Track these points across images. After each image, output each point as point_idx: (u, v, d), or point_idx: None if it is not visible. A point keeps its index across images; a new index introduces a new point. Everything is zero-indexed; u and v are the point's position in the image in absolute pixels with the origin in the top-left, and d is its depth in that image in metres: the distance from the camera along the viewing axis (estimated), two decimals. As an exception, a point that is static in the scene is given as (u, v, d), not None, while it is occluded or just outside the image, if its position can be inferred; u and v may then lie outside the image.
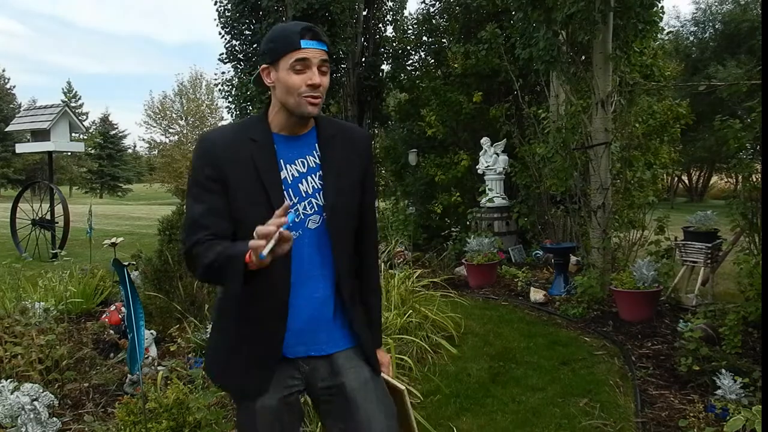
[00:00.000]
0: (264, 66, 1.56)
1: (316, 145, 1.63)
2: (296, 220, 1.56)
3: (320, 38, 1.52)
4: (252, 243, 1.30)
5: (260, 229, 1.29)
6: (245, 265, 1.35)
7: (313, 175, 1.61)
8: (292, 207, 1.54)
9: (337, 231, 1.61)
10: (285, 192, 1.56)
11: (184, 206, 1.56)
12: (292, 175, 1.59)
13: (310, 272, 1.60)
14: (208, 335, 1.75)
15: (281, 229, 1.29)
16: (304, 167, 1.61)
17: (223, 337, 1.66)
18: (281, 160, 1.58)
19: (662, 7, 6.16)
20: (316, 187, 1.60)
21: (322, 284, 1.62)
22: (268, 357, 1.58)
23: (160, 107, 40.41)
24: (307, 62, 1.50)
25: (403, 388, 1.71)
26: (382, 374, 1.74)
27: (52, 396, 2.71)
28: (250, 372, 1.59)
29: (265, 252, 1.28)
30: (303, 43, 1.49)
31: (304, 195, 1.59)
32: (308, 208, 1.59)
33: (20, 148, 11.05)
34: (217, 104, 38.69)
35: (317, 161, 1.62)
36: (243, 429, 1.66)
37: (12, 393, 2.63)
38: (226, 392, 1.67)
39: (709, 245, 5.49)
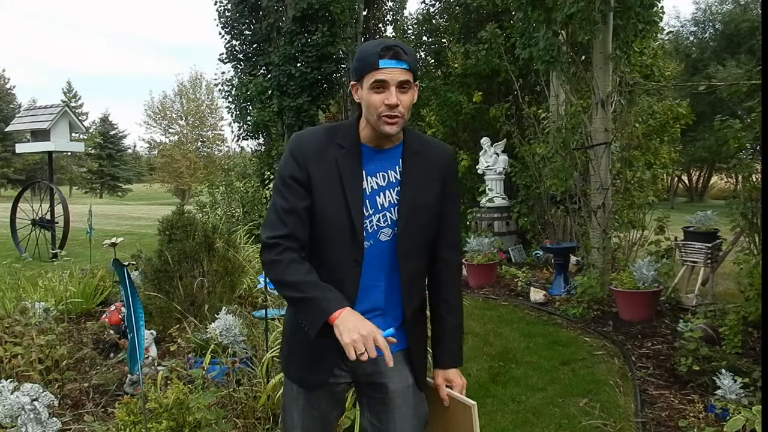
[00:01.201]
0: (353, 83, 1.62)
1: (400, 160, 1.66)
2: (369, 230, 1.62)
3: (400, 57, 1.53)
4: (356, 337, 1.38)
5: (371, 341, 1.39)
6: (326, 322, 1.44)
7: (391, 190, 1.64)
8: (367, 217, 1.60)
9: (406, 246, 1.64)
10: (364, 202, 1.61)
11: (270, 197, 1.72)
12: (372, 187, 1.63)
13: (376, 282, 1.64)
14: (284, 324, 1.86)
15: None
16: (384, 181, 1.64)
17: (292, 331, 1.73)
18: (363, 171, 1.62)
19: (662, 7, 6.15)
20: (392, 201, 1.63)
21: (384, 295, 1.66)
22: (327, 358, 1.65)
23: (160, 107, 40.44)
24: (384, 83, 1.52)
25: (473, 403, 1.73)
26: (453, 393, 1.77)
27: (52, 396, 2.70)
28: (311, 369, 1.68)
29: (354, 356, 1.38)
30: (381, 63, 1.52)
31: (379, 207, 1.63)
32: (382, 221, 1.63)
33: (20, 148, 11.05)
34: (217, 104, 38.72)
35: (398, 177, 1.65)
36: (285, 409, 1.76)
37: (12, 393, 2.63)
38: (289, 379, 1.78)
39: (709, 245, 5.49)
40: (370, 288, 1.64)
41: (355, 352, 1.37)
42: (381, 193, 1.63)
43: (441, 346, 1.77)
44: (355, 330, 1.39)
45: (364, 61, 1.54)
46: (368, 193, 1.61)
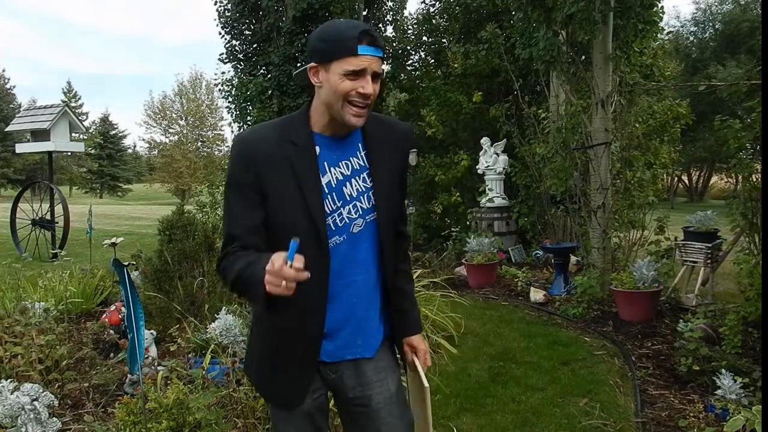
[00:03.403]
0: (313, 65, 1.48)
1: (360, 145, 1.57)
2: (339, 224, 1.53)
3: (377, 43, 1.43)
4: (268, 278, 1.29)
5: (276, 270, 1.27)
6: (264, 290, 1.31)
7: (357, 177, 1.55)
8: (335, 211, 1.52)
9: (386, 232, 1.59)
10: (329, 196, 1.51)
11: (224, 207, 1.56)
12: (336, 178, 1.53)
13: (353, 276, 1.56)
14: (249, 338, 1.76)
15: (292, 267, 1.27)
16: (348, 169, 1.54)
17: (262, 345, 1.64)
18: (324, 163, 1.51)
19: (662, 7, 6.16)
20: (360, 189, 1.54)
21: (363, 288, 1.59)
22: (306, 365, 1.57)
23: (160, 107, 40.40)
24: (363, 72, 1.42)
25: (427, 385, 1.72)
26: (417, 364, 1.73)
27: (52, 396, 2.70)
28: (288, 382, 1.59)
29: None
30: (360, 49, 1.40)
31: (348, 198, 1.53)
32: (353, 212, 1.54)
33: (20, 148, 11.05)
34: (217, 104, 38.69)
35: (362, 162, 1.56)
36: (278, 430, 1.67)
37: (12, 393, 2.63)
38: (265, 399, 1.73)
39: (709, 245, 5.49)
40: (347, 283, 1.56)
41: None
42: (347, 183, 1.53)
43: (404, 315, 1.72)
44: (271, 277, 1.29)
45: (339, 44, 1.41)
46: (334, 186, 1.52)
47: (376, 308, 1.65)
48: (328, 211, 1.51)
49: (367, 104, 1.46)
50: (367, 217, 1.56)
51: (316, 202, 1.48)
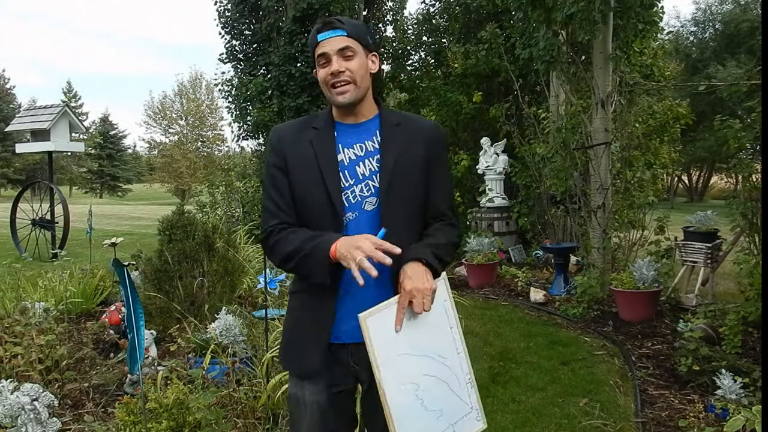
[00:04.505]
0: (315, 71, 1.67)
1: (377, 131, 1.68)
2: (352, 201, 1.62)
3: (335, 26, 1.58)
4: (366, 245, 1.45)
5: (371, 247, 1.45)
6: (328, 258, 1.49)
7: (371, 158, 1.65)
8: (348, 188, 1.62)
9: (391, 212, 1.62)
10: (341, 173, 1.62)
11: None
12: (349, 158, 1.64)
13: None
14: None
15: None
16: (362, 151, 1.66)
17: (288, 320, 1.75)
18: (339, 145, 1.65)
19: (662, 7, 6.16)
20: (373, 169, 1.64)
21: (376, 266, 1.54)
22: (320, 338, 1.63)
23: (160, 107, 40.35)
24: (326, 55, 1.58)
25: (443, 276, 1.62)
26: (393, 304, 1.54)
27: (52, 396, 2.70)
28: (305, 353, 1.66)
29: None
30: (319, 37, 1.59)
31: (360, 177, 1.63)
32: (365, 190, 1.63)
33: (20, 148, 11.04)
34: (217, 104, 38.66)
35: (376, 146, 1.66)
36: (293, 421, 1.74)
37: (12, 393, 2.63)
38: (291, 373, 1.78)
39: (709, 245, 5.49)
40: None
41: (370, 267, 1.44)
42: (360, 163, 1.64)
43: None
44: (352, 248, 1.45)
45: (311, 41, 1.63)
46: (346, 164, 1.63)
47: (389, 290, 1.59)
48: (342, 187, 1.62)
49: (343, 81, 1.57)
50: (380, 197, 1.64)
51: (331, 172, 1.60)
